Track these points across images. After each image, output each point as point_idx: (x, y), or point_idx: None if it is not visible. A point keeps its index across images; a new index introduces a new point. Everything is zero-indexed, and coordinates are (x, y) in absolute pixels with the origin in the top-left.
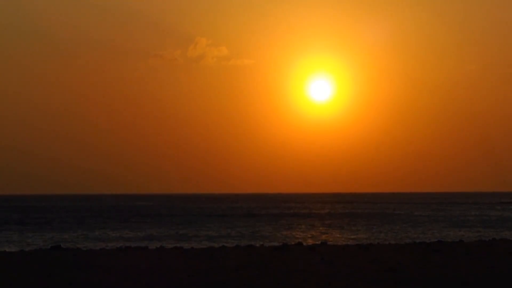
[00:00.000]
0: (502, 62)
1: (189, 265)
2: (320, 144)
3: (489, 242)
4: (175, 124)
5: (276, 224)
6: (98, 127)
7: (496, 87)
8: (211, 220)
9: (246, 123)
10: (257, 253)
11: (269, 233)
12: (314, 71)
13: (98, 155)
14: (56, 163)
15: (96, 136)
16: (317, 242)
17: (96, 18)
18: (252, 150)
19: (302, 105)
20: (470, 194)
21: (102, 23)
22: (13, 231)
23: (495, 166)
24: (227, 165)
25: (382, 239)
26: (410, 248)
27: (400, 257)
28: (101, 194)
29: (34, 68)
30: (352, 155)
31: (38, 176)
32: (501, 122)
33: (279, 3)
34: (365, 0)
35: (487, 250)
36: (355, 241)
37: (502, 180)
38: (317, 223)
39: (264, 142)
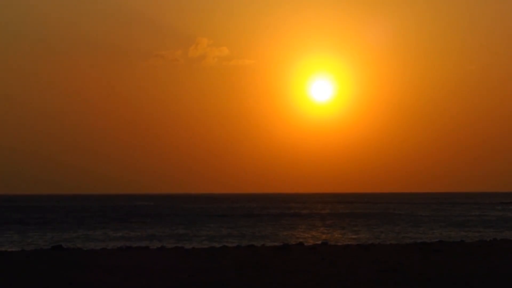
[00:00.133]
0: (502, 62)
1: (190, 265)
2: (321, 144)
3: (490, 242)
4: (176, 124)
5: (277, 224)
6: (99, 127)
7: (497, 87)
8: (212, 220)
9: (247, 123)
10: (258, 253)
11: (270, 233)
12: (315, 71)
13: (98, 155)
14: (57, 163)
15: (97, 136)
16: (318, 242)
17: (96, 19)
18: (253, 150)
19: (303, 105)
20: (471, 194)
21: (103, 23)
22: (14, 231)
23: (496, 166)
24: (228, 165)
25: (383, 239)
26: (411, 248)
27: (401, 257)
28: (102, 194)
29: (34, 69)
30: (353, 155)
31: (38, 176)
32: (502, 122)
33: (280, 3)
34: (366, 0)
35: (488, 250)
36: (356, 241)
37: (503, 180)
38: (318, 223)
39: (265, 142)
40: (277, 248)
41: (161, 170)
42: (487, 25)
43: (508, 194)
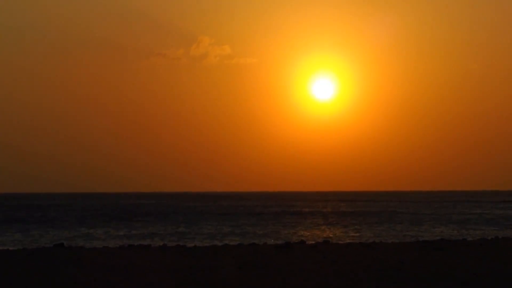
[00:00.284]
0: (505, 61)
1: (192, 264)
2: (323, 142)
3: (491, 241)
4: (177, 123)
5: (278, 223)
6: (100, 125)
7: (499, 86)
8: (214, 219)
9: (249, 122)
10: (260, 252)
11: (272, 232)
12: (317, 69)
13: (100, 153)
14: (58, 162)
15: (98, 134)
16: (320, 241)
17: (98, 17)
18: (255, 148)
19: (305, 104)
20: (473, 193)
21: (104, 22)
22: (16, 229)
23: (498, 165)
24: (230, 164)
25: (385, 237)
26: (413, 247)
27: (403, 255)
28: (104, 192)
29: (35, 67)
30: (355, 154)
31: (40, 175)
32: (504, 120)
33: (282, 2)
34: None
35: (490, 249)
36: (358, 239)
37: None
38: (320, 222)
39: (267, 140)
40: (279, 247)
41: (162, 169)
42: (489, 24)
43: (510, 192)
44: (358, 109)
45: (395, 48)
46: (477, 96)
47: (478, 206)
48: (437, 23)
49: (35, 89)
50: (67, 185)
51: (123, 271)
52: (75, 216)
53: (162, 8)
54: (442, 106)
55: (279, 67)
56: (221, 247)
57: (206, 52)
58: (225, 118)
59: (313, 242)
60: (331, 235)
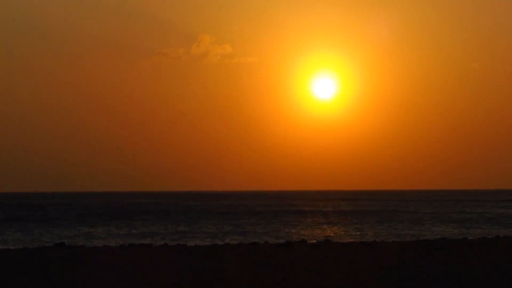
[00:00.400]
0: (505, 60)
1: (193, 263)
2: (324, 142)
3: (492, 240)
4: (178, 122)
5: (279, 222)
6: (101, 125)
7: (500, 85)
8: (215, 218)
9: (250, 121)
10: (261, 250)
11: (273, 231)
12: (318, 69)
13: (101, 153)
14: (59, 161)
15: (100, 134)
16: (320, 240)
17: (98, 16)
18: (256, 148)
19: (306, 103)
20: (474, 192)
21: (105, 21)
22: (17, 228)
23: (498, 164)
24: (230, 163)
25: (386, 236)
26: (414, 246)
27: (404, 254)
28: (105, 191)
29: (37, 67)
30: (356, 153)
31: (41, 174)
32: (505, 119)
33: (283, 1)
34: None
35: (490, 248)
36: (359, 238)
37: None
38: (320, 221)
39: (267, 140)
40: (279, 246)
41: (163, 168)
42: (490, 22)
43: (511, 191)
44: (359, 108)
45: (396, 47)
46: (478, 95)
47: (478, 205)
48: (438, 22)
49: (36, 88)
50: (67, 184)
51: (124, 270)
52: (75, 215)
53: (163, 7)
54: (443, 105)
55: (280, 66)
56: (222, 246)
57: (206, 51)
58: (226, 117)
59: (314, 241)
60: (332, 234)
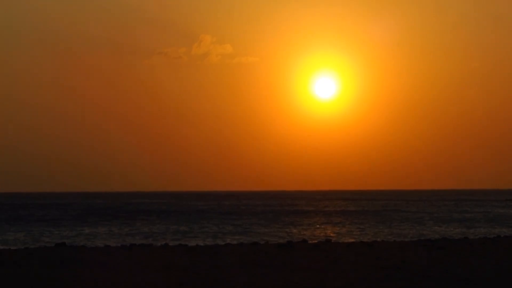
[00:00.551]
0: (506, 60)
1: (194, 263)
2: (324, 142)
3: (493, 239)
4: (179, 122)
5: (280, 222)
6: (102, 125)
7: (501, 85)
8: (216, 218)
9: (251, 121)
10: (262, 250)
11: (274, 231)
12: (319, 68)
13: (102, 153)
14: (60, 161)
15: (100, 134)
16: (321, 240)
17: (99, 16)
18: (256, 147)
19: (307, 103)
20: (475, 192)
21: (106, 21)
22: (18, 228)
23: (500, 163)
24: (231, 163)
25: (387, 236)
26: (415, 246)
27: (405, 254)
28: (106, 192)
29: (37, 67)
30: (357, 153)
31: (42, 174)
32: (506, 119)
33: (284, 1)
34: None
35: (492, 247)
36: (360, 238)
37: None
38: (321, 221)
39: (268, 140)
40: (280, 246)
41: (164, 168)
42: (491, 22)
43: None
44: (360, 108)
45: (397, 46)
46: (479, 94)
47: (480, 205)
48: (439, 22)
49: (37, 89)
50: (68, 185)
51: (125, 270)
52: (76, 215)
53: (164, 7)
54: (444, 104)
55: (281, 66)
56: (223, 246)
57: (207, 51)
58: (227, 117)
59: (315, 241)
60: (332, 234)
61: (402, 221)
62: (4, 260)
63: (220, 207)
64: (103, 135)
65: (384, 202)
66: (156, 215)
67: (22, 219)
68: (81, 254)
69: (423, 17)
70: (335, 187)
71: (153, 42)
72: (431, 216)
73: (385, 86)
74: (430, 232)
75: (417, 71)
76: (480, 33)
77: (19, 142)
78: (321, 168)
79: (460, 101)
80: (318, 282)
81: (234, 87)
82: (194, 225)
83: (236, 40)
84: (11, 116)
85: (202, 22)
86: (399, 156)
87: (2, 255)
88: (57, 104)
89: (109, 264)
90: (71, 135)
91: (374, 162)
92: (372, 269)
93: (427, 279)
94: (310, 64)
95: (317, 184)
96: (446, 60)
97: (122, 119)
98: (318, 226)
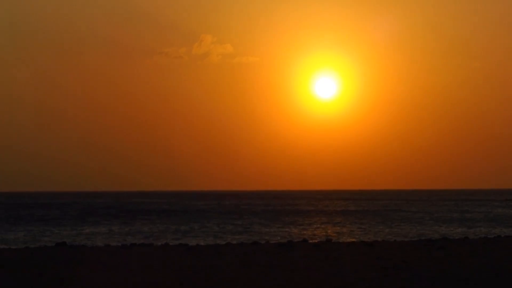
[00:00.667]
0: (507, 60)
1: (194, 262)
2: (325, 141)
3: (494, 239)
4: (179, 122)
5: (281, 221)
6: (102, 124)
7: (502, 84)
8: (216, 217)
9: (251, 120)
10: (262, 250)
11: (274, 230)
12: (319, 68)
13: (103, 152)
14: (61, 161)
15: (101, 133)
16: (322, 239)
17: (100, 16)
18: (257, 147)
19: (307, 103)
20: (476, 191)
21: (107, 21)
22: (18, 228)
23: (501, 163)
24: (232, 163)
25: (387, 236)
26: (415, 245)
27: (405, 254)
28: (107, 191)
29: (37, 66)
30: (358, 152)
31: (42, 174)
32: (507, 119)
33: (284, 0)
34: None
35: (492, 247)
36: (360, 238)
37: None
38: (322, 220)
39: (269, 139)
40: (281, 245)
41: (164, 168)
42: (492, 22)
43: None
44: (361, 107)
45: (397, 46)
46: (480, 94)
47: (481, 205)
48: (439, 22)
49: (37, 88)
50: (69, 184)
51: (125, 269)
52: (77, 215)
53: (164, 7)
54: (444, 104)
55: (281, 66)
56: (223, 245)
57: (208, 50)
58: (227, 117)
59: (316, 241)
60: (333, 234)
61: (402, 221)
62: (5, 259)
63: (221, 206)
64: (103, 134)
65: (385, 202)
66: (156, 214)
67: (23, 219)
68: (81, 254)
69: (424, 17)
70: (335, 187)
71: (153, 42)
72: (431, 216)
73: (386, 86)
74: (430, 232)
75: (418, 71)
76: (481, 33)
77: (19, 142)
78: (322, 168)
79: (461, 100)
80: (319, 282)
81: (235, 87)
82: (194, 225)
83: (237, 40)
84: (11, 115)
85: (203, 22)
86: (399, 156)
87: (2, 255)
88: (57, 103)
89: (109, 264)
90: (71, 135)
91: (375, 162)
92: (372, 268)
93: (428, 279)
94: (310, 64)
95: (318, 184)
96: (447, 60)
97: (123, 119)
98: (318, 225)
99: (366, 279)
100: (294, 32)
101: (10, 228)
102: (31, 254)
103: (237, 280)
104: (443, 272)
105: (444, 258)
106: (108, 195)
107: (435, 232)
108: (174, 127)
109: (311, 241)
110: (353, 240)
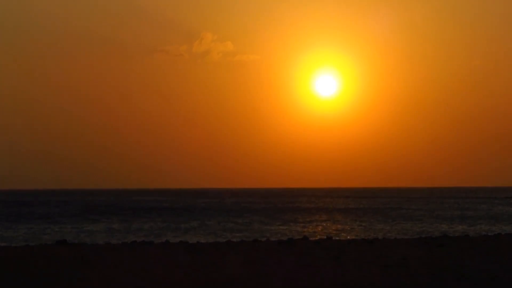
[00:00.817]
0: (508, 58)
1: (195, 260)
2: (326, 139)
3: (494, 237)
4: (180, 120)
5: (281, 219)
6: (103, 122)
7: (503, 82)
8: (217, 215)
9: (252, 118)
10: (262, 248)
11: (275, 228)
12: (320, 66)
13: (103, 150)
14: (62, 159)
15: (101, 131)
16: (322, 237)
17: (100, 14)
18: (257, 145)
19: (308, 101)
20: (477, 189)
21: (107, 18)
22: (18, 225)
23: (502, 161)
24: (232, 160)
25: (388, 233)
26: (416, 243)
27: (406, 251)
28: (107, 189)
29: (38, 65)
30: (358, 150)
31: (43, 172)
32: (508, 117)
33: None
34: None
35: (493, 245)
36: (361, 235)
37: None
38: (323, 218)
39: (269, 137)
40: (281, 243)
41: (165, 165)
42: (492, 20)
43: None
44: (361, 106)
45: (398, 44)
46: (481, 92)
47: (481, 203)
48: (440, 20)
49: (38, 87)
50: (69, 182)
51: (126, 267)
52: (77, 213)
53: (165, 4)
54: (445, 102)
55: (282, 64)
56: (224, 243)
57: (208, 48)
58: (228, 114)
59: (316, 238)
60: (334, 231)
61: (403, 218)
62: (5, 257)
63: (221, 204)
64: (104, 132)
65: (385, 199)
66: (157, 212)
67: (23, 217)
68: (81, 251)
69: (424, 15)
70: (336, 185)
71: (154, 40)
72: (432, 213)
73: (386, 84)
74: (431, 230)
75: (418, 69)
76: (481, 31)
77: (20, 140)
78: (322, 165)
79: (462, 98)
80: (319, 280)
81: (235, 85)
82: (195, 223)
83: (237, 37)
84: (11, 114)
85: (203, 19)
86: (400, 154)
87: (2, 253)
88: (57, 102)
89: (110, 261)
90: (72, 133)
91: (375, 160)
92: (373, 266)
93: (428, 276)
94: (311, 62)
95: (318, 181)
96: (447, 58)
97: (123, 117)
98: (319, 223)
99: (366, 277)
100: (295, 30)
101: (10, 226)
102: (31, 252)
103: (237, 277)
104: (443, 270)
105: (445, 255)
106: (108, 193)
107: (435, 230)
108: (174, 125)
109: (311, 238)
110: (354, 237)
